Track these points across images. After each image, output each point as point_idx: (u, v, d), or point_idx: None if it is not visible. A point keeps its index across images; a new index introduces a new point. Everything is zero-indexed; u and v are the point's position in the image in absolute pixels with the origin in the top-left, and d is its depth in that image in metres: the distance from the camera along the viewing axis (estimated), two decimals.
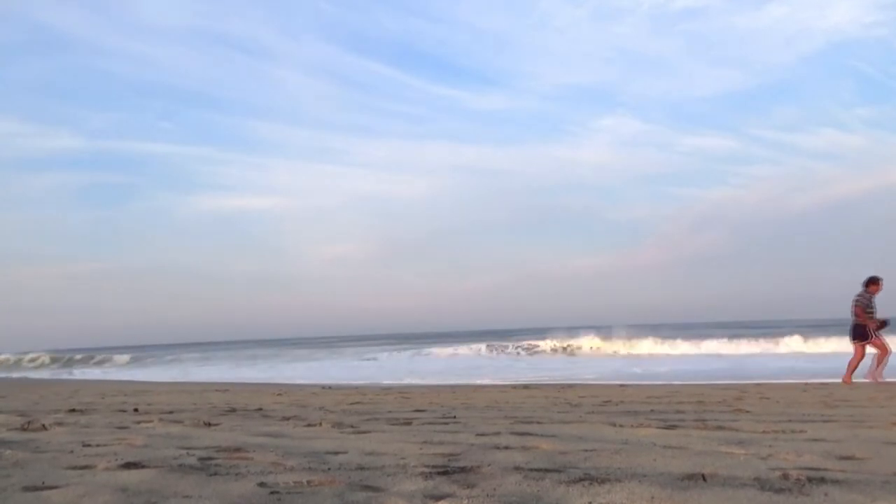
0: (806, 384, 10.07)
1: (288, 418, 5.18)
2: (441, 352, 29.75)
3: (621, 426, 4.15)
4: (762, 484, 2.32)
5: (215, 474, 2.63)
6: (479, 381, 13.86)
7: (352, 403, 7.20)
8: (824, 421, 4.58)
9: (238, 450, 3.33)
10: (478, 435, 3.78)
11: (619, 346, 26.93)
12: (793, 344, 23.37)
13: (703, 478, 2.44)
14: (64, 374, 25.46)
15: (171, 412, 5.95)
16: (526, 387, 11.14)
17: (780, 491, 2.22)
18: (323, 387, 12.34)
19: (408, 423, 4.67)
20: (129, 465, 2.85)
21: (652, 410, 5.65)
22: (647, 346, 26.14)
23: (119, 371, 26.01)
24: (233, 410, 6.18)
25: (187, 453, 3.22)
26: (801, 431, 3.87)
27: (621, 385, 11.11)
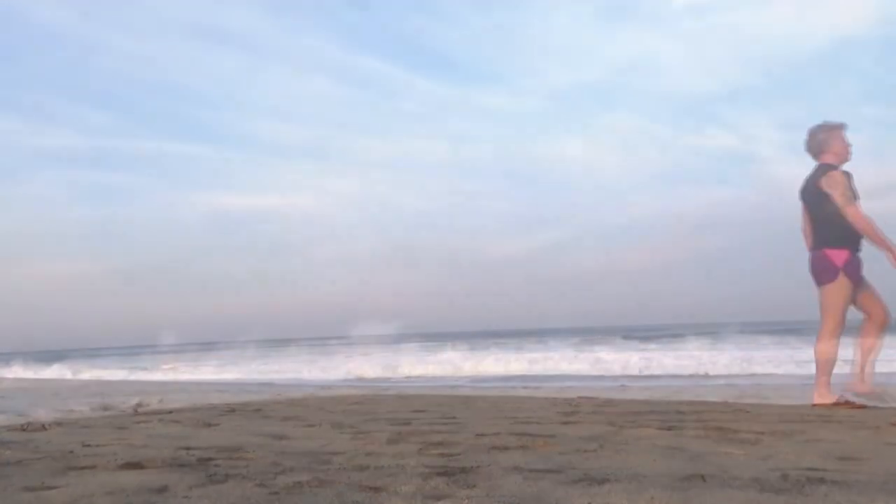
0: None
1: (288, 418, 5.18)
2: None
3: (621, 427, 4.15)
4: (762, 484, 2.32)
5: (214, 475, 2.63)
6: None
7: (351, 404, 7.20)
8: (823, 421, 4.58)
9: (238, 450, 3.34)
10: (477, 435, 3.78)
11: None
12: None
13: (703, 478, 2.44)
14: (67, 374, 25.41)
15: (170, 412, 5.95)
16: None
17: (780, 491, 2.22)
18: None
19: (407, 423, 4.67)
20: (128, 466, 2.85)
21: (651, 411, 5.65)
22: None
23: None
24: (232, 411, 6.18)
25: (187, 453, 3.22)
26: (800, 432, 3.88)
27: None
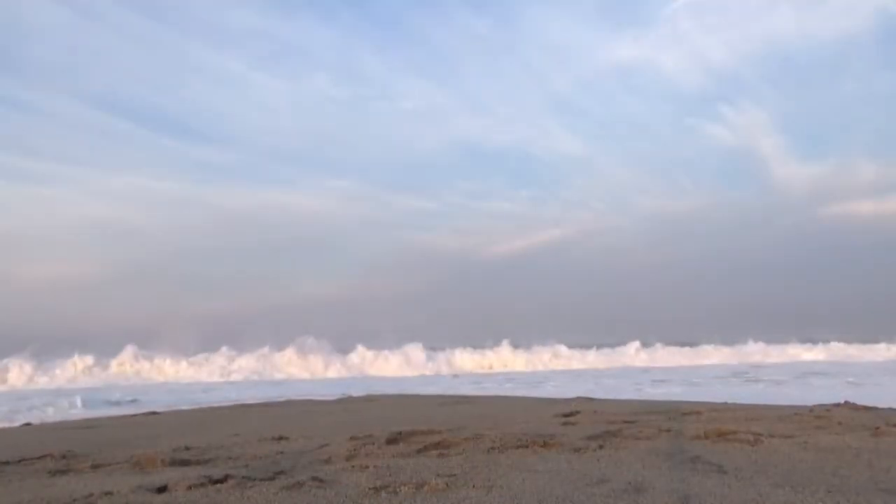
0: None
1: (289, 418, 5.15)
2: None
3: (621, 427, 4.15)
4: (761, 485, 2.32)
5: (214, 475, 2.62)
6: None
7: (351, 404, 7.16)
8: (822, 422, 4.58)
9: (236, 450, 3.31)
10: (477, 436, 3.77)
11: None
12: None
13: (702, 479, 2.44)
14: None
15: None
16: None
17: (779, 492, 2.22)
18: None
19: (407, 423, 4.66)
20: (128, 465, 2.84)
21: (651, 412, 5.64)
22: None
23: None
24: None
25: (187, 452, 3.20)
26: (799, 433, 3.88)
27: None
